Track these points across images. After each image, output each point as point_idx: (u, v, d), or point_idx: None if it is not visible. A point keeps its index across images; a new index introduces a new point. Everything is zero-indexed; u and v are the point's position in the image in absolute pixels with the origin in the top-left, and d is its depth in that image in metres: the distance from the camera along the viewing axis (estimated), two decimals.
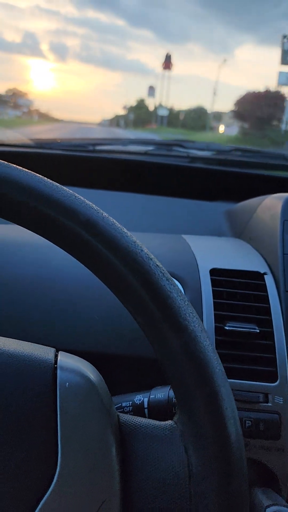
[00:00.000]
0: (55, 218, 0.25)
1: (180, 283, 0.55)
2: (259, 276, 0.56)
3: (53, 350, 0.29)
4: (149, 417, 0.42)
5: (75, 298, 0.53)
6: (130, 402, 0.43)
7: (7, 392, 0.26)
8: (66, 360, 0.28)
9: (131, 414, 0.42)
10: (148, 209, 0.88)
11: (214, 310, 0.52)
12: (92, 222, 0.26)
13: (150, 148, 1.04)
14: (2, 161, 0.27)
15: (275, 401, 0.48)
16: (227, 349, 0.51)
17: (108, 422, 0.26)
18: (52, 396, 0.26)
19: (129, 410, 0.43)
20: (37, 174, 0.27)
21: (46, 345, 0.50)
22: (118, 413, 0.30)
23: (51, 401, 0.26)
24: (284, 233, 0.58)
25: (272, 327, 0.52)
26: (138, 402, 0.43)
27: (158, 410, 0.42)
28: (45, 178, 0.27)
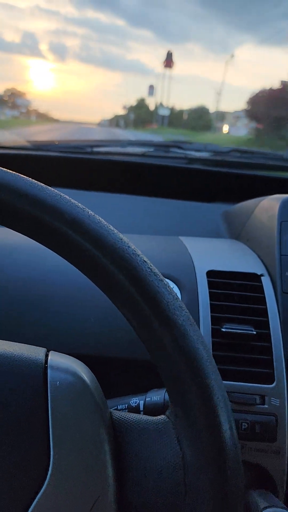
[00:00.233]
0: (41, 218, 0.25)
1: (177, 285, 0.55)
2: (256, 277, 0.56)
3: (43, 350, 0.29)
4: None
5: (70, 300, 0.53)
6: (126, 405, 0.43)
7: None
8: (56, 359, 0.28)
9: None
10: (146, 210, 0.88)
11: (211, 312, 0.52)
12: (78, 221, 0.26)
13: (148, 149, 1.04)
14: None
15: (272, 403, 0.48)
16: (224, 351, 0.51)
17: (101, 419, 0.27)
18: (43, 395, 0.26)
19: None
20: (22, 175, 0.27)
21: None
22: (111, 410, 0.30)
23: (42, 400, 0.26)
24: (281, 235, 0.58)
25: (269, 329, 0.52)
26: (134, 404, 0.43)
27: (154, 413, 0.42)
28: (30, 178, 0.27)
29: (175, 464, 0.26)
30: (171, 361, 0.26)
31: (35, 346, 0.30)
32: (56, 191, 0.27)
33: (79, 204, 0.27)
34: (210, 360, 0.26)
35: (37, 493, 0.24)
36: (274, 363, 0.50)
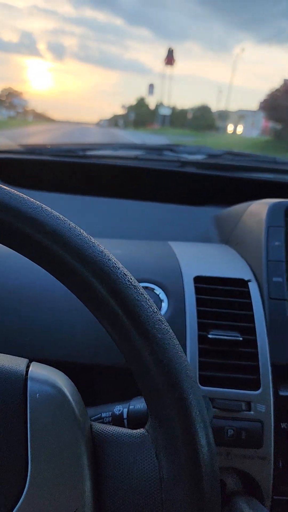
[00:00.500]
0: (21, 229, 0.26)
1: (164, 291, 0.55)
2: (243, 283, 0.56)
3: (25, 361, 0.29)
4: (129, 427, 0.42)
5: (56, 308, 0.53)
6: (110, 413, 0.43)
7: None
8: (37, 370, 0.28)
9: (110, 425, 0.42)
10: (137, 214, 0.88)
11: (198, 318, 0.52)
12: (58, 233, 0.26)
13: (140, 152, 1.04)
14: None
15: (258, 409, 0.48)
16: (210, 357, 0.51)
17: (80, 432, 0.27)
18: (22, 407, 0.26)
19: (108, 420, 0.43)
20: (3, 186, 0.27)
21: (27, 355, 0.50)
22: (92, 422, 0.30)
23: (21, 412, 0.26)
24: (268, 240, 0.58)
25: (255, 335, 0.52)
26: (117, 412, 0.43)
27: (137, 420, 0.42)
28: (12, 189, 0.27)
29: (152, 478, 0.26)
30: (150, 374, 0.26)
31: (17, 357, 0.30)
32: (37, 203, 0.27)
33: (61, 216, 0.27)
34: (189, 374, 0.26)
35: (15, 504, 0.24)
36: (260, 369, 0.50)
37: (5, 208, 0.25)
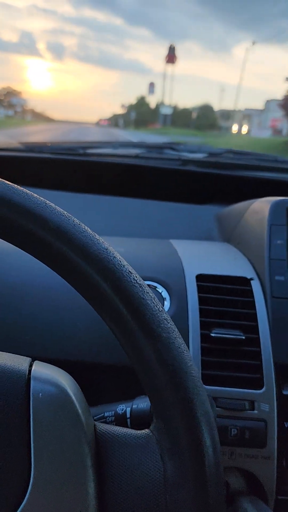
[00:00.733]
0: (25, 226, 0.25)
1: (166, 289, 0.55)
2: (246, 281, 0.56)
3: (28, 360, 0.29)
4: (132, 427, 0.41)
5: (58, 306, 0.52)
6: (113, 412, 0.43)
7: None
8: (40, 370, 0.28)
9: (113, 424, 0.42)
10: (139, 213, 0.88)
11: (200, 316, 0.52)
12: (62, 230, 0.25)
13: (141, 151, 1.03)
14: None
15: (261, 408, 0.48)
16: (213, 356, 0.50)
17: (83, 432, 0.26)
18: (25, 406, 0.25)
19: (111, 420, 0.42)
20: (6, 181, 0.26)
21: (29, 353, 0.50)
22: (95, 422, 0.29)
23: (24, 411, 0.25)
24: (271, 238, 0.58)
25: (258, 334, 0.51)
26: (120, 412, 0.42)
27: (140, 420, 0.41)
28: (15, 185, 0.26)
29: (156, 480, 0.26)
30: (154, 374, 0.25)
31: (20, 356, 0.29)
32: (41, 198, 0.26)
33: (65, 213, 0.26)
34: (194, 374, 0.26)
35: (18, 506, 0.24)
36: (263, 368, 0.49)
37: (8, 204, 0.25)
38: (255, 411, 0.48)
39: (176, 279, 0.56)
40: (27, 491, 0.24)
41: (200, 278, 0.56)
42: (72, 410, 0.26)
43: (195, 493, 0.25)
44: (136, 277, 0.26)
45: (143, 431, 0.28)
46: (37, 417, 0.25)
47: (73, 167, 0.94)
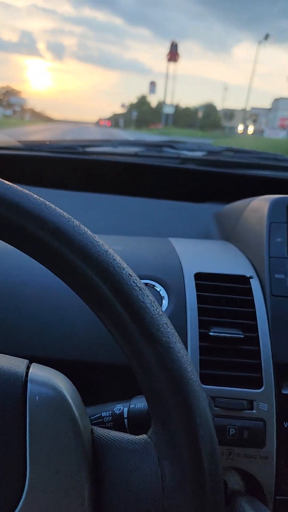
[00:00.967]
0: (24, 226, 0.25)
1: (164, 288, 0.54)
2: (245, 280, 0.55)
3: (25, 362, 0.28)
4: (129, 427, 0.41)
5: (57, 305, 0.52)
6: (110, 412, 0.42)
7: None
8: (37, 372, 0.27)
9: (110, 424, 0.41)
10: (138, 211, 0.87)
11: (199, 315, 0.52)
12: (62, 231, 0.25)
13: (140, 149, 1.03)
14: None
15: (260, 408, 0.48)
16: (211, 355, 0.50)
17: (80, 436, 0.26)
18: (21, 409, 0.25)
19: (108, 420, 0.42)
20: (6, 182, 0.26)
21: (28, 353, 0.50)
22: (92, 426, 0.29)
23: (21, 414, 0.25)
24: (270, 236, 0.57)
25: (257, 332, 0.51)
26: (117, 412, 0.42)
27: (137, 420, 0.41)
28: (15, 185, 0.26)
29: (153, 485, 0.26)
30: (153, 377, 0.25)
31: (17, 358, 0.29)
32: (41, 199, 0.26)
33: (65, 214, 0.26)
34: (194, 379, 0.25)
35: (13, 510, 0.23)
36: (263, 367, 0.49)
37: (7, 204, 0.25)
38: (254, 411, 0.47)
39: (174, 278, 0.55)
40: (22, 494, 0.24)
41: (198, 276, 0.55)
42: (69, 413, 0.26)
43: (193, 499, 0.24)
44: (136, 280, 0.26)
45: (140, 436, 0.28)
46: (34, 420, 0.25)
47: (72, 166, 0.93)
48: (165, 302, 0.53)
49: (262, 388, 0.48)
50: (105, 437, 0.28)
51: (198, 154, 1.05)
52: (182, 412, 0.25)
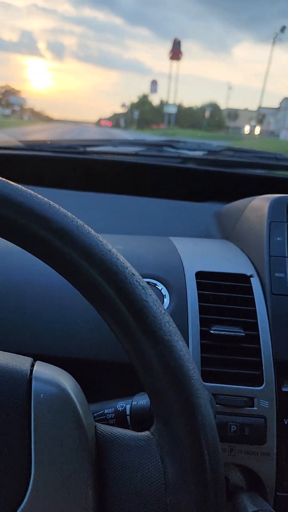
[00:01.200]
0: (28, 226, 0.25)
1: (165, 287, 0.55)
2: (245, 278, 0.56)
3: (30, 360, 0.29)
4: (131, 424, 0.41)
5: (59, 303, 0.53)
6: (113, 409, 0.43)
7: None
8: (42, 370, 0.28)
9: (113, 421, 0.42)
10: (138, 210, 0.88)
11: (200, 313, 0.52)
12: (66, 231, 0.25)
13: (140, 149, 1.03)
14: None
15: (261, 405, 0.48)
16: (212, 353, 0.50)
17: (84, 433, 0.26)
18: (26, 407, 0.26)
19: (111, 417, 0.42)
20: (10, 182, 0.26)
21: (30, 351, 0.50)
22: (96, 423, 0.29)
23: (25, 412, 0.25)
24: (270, 235, 0.58)
25: (258, 330, 0.51)
26: (120, 408, 0.42)
27: (140, 417, 0.42)
28: (19, 185, 0.26)
29: (156, 483, 0.26)
30: (156, 376, 0.25)
31: (22, 356, 0.29)
32: (45, 199, 0.26)
33: (69, 214, 0.26)
34: (196, 377, 0.26)
35: (17, 507, 0.24)
36: (263, 364, 0.49)
37: (12, 204, 0.25)
38: (255, 408, 0.48)
39: (175, 276, 0.56)
40: (27, 492, 0.24)
41: (199, 275, 0.56)
42: (73, 411, 0.26)
43: (195, 496, 0.25)
44: (139, 279, 0.26)
45: (143, 433, 0.28)
46: (38, 417, 0.25)
47: (73, 165, 0.94)
48: (166, 300, 0.54)
49: (263, 386, 0.49)
50: (108, 434, 0.28)
51: (199, 153, 1.05)
52: (184, 410, 0.25)
